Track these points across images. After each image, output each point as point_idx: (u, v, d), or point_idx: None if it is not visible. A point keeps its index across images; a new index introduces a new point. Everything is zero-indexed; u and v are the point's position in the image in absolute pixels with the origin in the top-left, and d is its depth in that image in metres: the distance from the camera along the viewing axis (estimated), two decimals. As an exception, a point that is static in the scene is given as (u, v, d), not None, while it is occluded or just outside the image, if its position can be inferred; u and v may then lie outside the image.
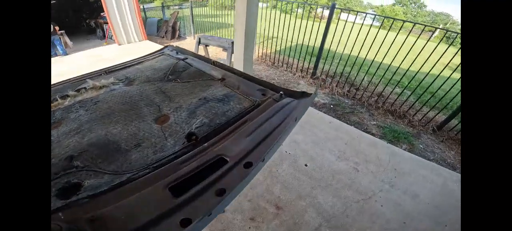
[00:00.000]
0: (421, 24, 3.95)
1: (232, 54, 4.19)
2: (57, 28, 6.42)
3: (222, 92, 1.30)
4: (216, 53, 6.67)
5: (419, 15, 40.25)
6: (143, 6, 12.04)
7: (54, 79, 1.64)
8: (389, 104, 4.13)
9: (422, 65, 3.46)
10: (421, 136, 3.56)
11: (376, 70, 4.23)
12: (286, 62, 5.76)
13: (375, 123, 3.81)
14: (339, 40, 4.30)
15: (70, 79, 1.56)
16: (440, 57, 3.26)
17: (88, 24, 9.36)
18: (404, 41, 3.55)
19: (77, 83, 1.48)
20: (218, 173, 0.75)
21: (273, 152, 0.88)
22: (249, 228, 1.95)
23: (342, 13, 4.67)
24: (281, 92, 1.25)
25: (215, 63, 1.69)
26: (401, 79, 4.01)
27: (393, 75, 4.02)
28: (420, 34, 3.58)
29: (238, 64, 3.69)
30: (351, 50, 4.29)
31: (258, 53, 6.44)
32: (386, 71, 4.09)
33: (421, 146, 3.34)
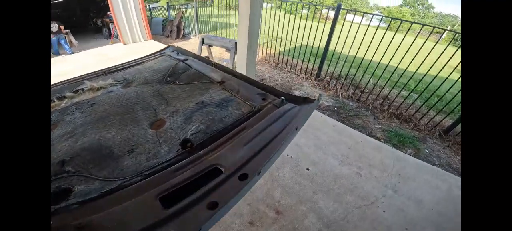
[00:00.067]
0: (429, 25, 3.85)
1: (235, 55, 4.16)
2: (62, 27, 6.51)
3: (220, 96, 1.26)
4: (219, 53, 6.66)
5: (427, 17, 39.59)
6: (149, 5, 12.15)
7: (60, 78, 1.64)
8: (395, 107, 4.03)
9: (430, 68, 3.37)
10: (427, 140, 3.47)
11: (382, 73, 4.14)
12: (290, 63, 5.70)
13: (380, 126, 3.72)
14: (345, 42, 4.22)
15: (68, 80, 1.55)
16: (449, 60, 3.17)
17: (95, 23, 9.49)
18: (412, 44, 3.47)
19: (75, 84, 1.47)
20: (211, 185, 0.72)
21: (271, 164, 0.84)
22: (248, 233, 1.92)
23: (348, 14, 4.60)
24: (282, 97, 1.19)
25: (216, 65, 1.66)
26: (407, 82, 3.91)
27: (399, 78, 3.93)
28: (428, 36, 3.49)
29: (241, 64, 3.66)
30: (357, 52, 4.21)
31: (262, 53, 6.40)
32: (392, 74, 4.00)
33: (426, 150, 3.26)
